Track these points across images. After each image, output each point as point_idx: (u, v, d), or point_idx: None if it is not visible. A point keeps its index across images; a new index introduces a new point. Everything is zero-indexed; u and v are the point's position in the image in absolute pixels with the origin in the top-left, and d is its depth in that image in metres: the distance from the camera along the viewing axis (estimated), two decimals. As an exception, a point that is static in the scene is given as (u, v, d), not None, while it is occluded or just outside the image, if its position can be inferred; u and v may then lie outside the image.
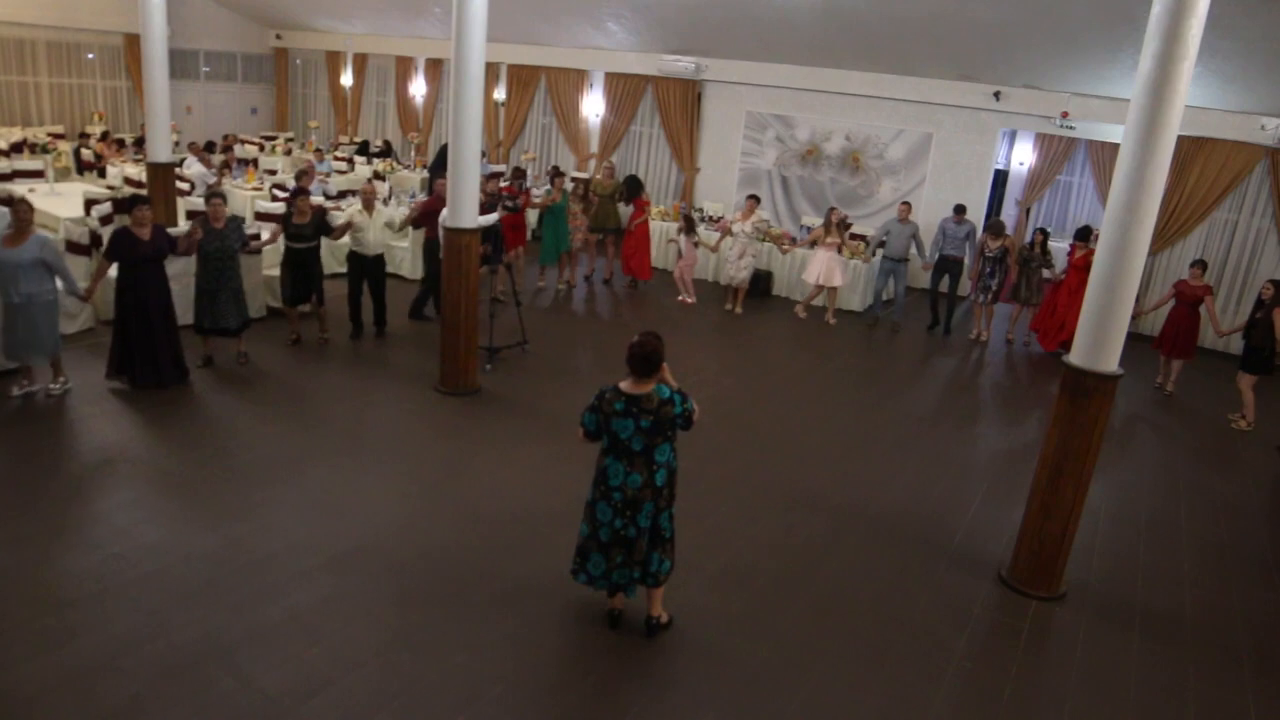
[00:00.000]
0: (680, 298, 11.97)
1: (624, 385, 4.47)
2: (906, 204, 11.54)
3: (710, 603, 5.19)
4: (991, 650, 5.04)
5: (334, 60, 20.38)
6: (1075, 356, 5.32)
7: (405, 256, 11.59)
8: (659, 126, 15.93)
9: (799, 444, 7.71)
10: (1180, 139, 5.26)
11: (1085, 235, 10.81)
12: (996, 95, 12.55)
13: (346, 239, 9.25)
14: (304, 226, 8.58)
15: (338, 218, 10.02)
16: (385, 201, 12.07)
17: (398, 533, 5.65)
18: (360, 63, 20.01)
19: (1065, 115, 12.18)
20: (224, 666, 4.28)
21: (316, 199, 11.91)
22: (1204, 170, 11.56)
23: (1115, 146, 7.17)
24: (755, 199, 11.78)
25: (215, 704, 4.05)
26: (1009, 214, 17.15)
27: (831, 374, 9.83)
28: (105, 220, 10.47)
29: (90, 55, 18.28)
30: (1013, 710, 4.55)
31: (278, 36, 21.01)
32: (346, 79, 20.20)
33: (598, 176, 13.05)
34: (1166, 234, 11.87)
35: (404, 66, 19.15)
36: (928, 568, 5.84)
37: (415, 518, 5.87)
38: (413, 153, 18.10)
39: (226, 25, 20.26)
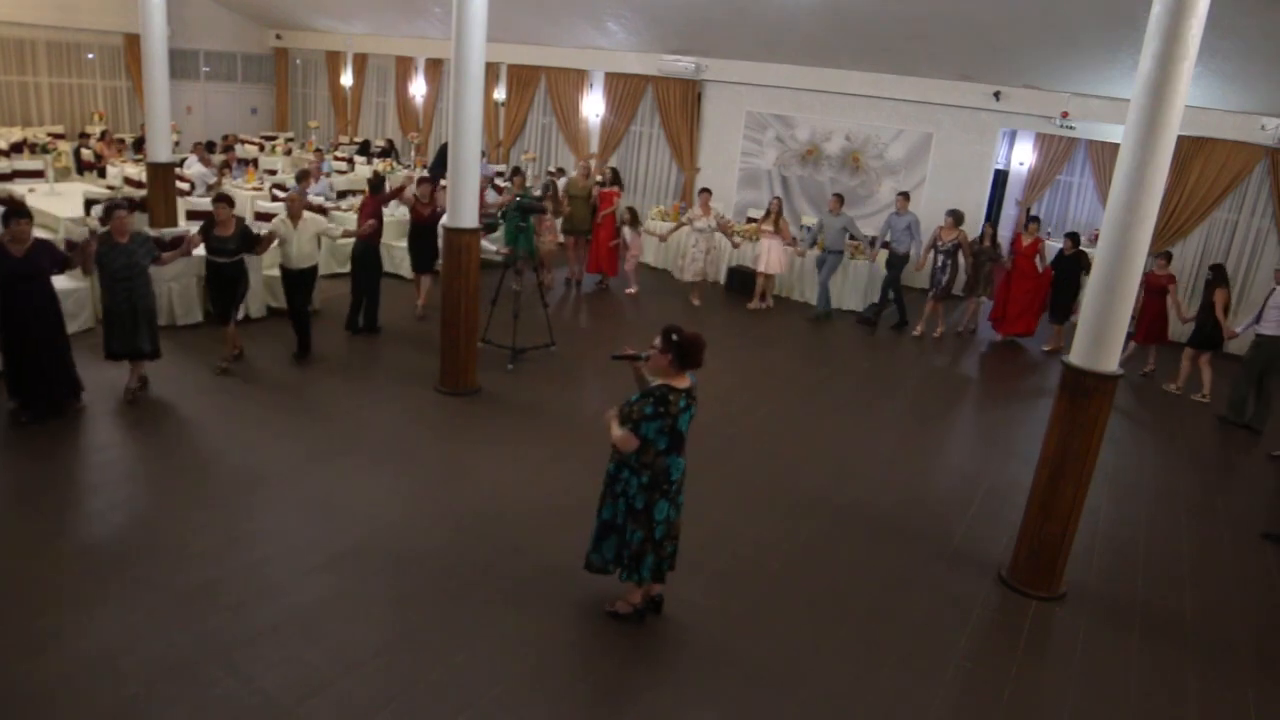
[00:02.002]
0: (628, 290, 11.93)
1: (677, 384, 4.47)
2: (838, 197, 11.76)
3: (711, 602, 5.19)
4: (991, 650, 5.04)
5: (334, 60, 20.38)
6: (1075, 356, 5.32)
7: (403, 256, 11.46)
8: (659, 126, 15.93)
9: (799, 444, 7.71)
10: (1180, 139, 5.26)
11: (1035, 223, 11.20)
12: (996, 95, 12.55)
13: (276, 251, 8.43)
14: (227, 240, 7.71)
15: (332, 222, 9.75)
16: (385, 204, 11.95)
17: (398, 533, 5.65)
18: (360, 63, 20.01)
19: (1065, 115, 12.18)
20: (224, 666, 4.28)
21: (316, 199, 11.91)
22: (1204, 170, 11.56)
23: (1115, 146, 7.18)
24: (708, 192, 11.80)
25: (215, 704, 4.05)
26: (1009, 214, 17.17)
27: (827, 374, 9.83)
28: (105, 221, 10.47)
29: (90, 55, 18.28)
30: (1013, 710, 4.55)
31: (278, 36, 21.02)
32: (346, 79, 20.20)
33: (572, 176, 12.73)
34: (1166, 234, 11.86)
35: (404, 66, 19.15)
36: (928, 568, 5.84)
37: (415, 518, 5.87)
38: (413, 153, 18.11)
39: (226, 25, 20.26)
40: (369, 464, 6.59)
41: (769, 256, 11.84)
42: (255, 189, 13.12)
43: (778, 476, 6.97)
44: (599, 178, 12.51)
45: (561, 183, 12.86)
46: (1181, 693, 4.83)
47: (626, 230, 11.75)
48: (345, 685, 4.24)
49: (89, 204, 10.96)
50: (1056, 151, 16.00)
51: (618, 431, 4.48)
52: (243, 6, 19.95)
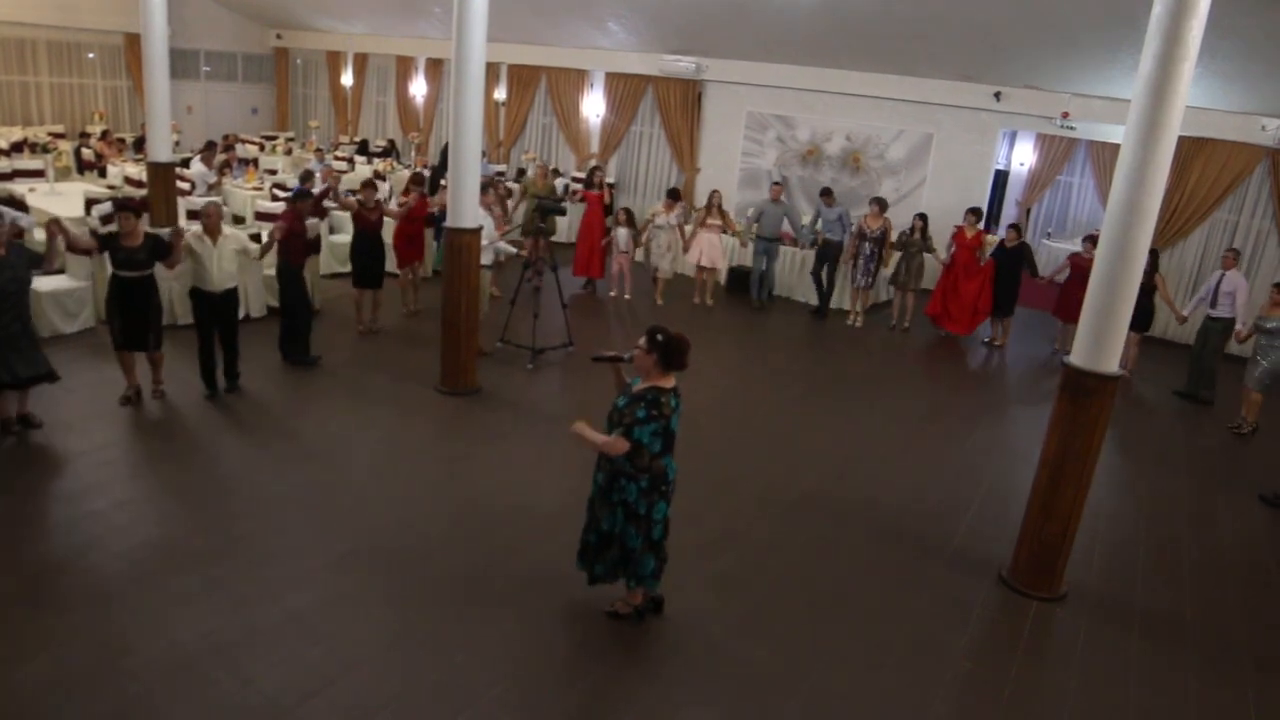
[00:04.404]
0: (613, 293, 11.87)
1: (663, 384, 4.47)
2: (778, 184, 12.05)
3: (710, 603, 5.19)
4: (992, 651, 5.04)
5: (334, 60, 20.39)
6: (1076, 357, 5.32)
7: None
8: (659, 126, 15.93)
9: (798, 444, 7.71)
10: (1181, 139, 5.26)
11: (979, 215, 11.32)
12: (997, 96, 12.55)
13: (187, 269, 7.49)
14: (136, 250, 6.81)
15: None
16: (386, 200, 11.82)
17: (398, 533, 5.66)
18: (361, 62, 20.02)
19: (1066, 116, 12.19)
20: (224, 666, 4.28)
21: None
22: (1204, 171, 11.56)
23: (1116, 147, 7.20)
24: (671, 196, 11.82)
25: (215, 704, 4.05)
26: (1009, 214, 17.15)
27: (824, 374, 9.83)
28: (106, 220, 10.46)
29: (91, 55, 18.28)
30: (1013, 711, 4.55)
31: (278, 36, 21.02)
32: (347, 79, 20.21)
33: (531, 176, 12.46)
34: (1167, 234, 11.87)
35: (404, 66, 19.15)
36: (928, 568, 5.84)
37: (415, 517, 5.87)
38: (413, 152, 18.11)
39: (227, 25, 20.27)
40: (369, 465, 6.59)
41: (707, 251, 11.85)
42: (256, 189, 13.11)
43: (777, 477, 6.97)
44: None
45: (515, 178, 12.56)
46: (1181, 693, 4.83)
47: (621, 232, 11.71)
48: (345, 685, 4.24)
49: (89, 204, 10.97)
50: (1057, 152, 15.99)
51: (602, 437, 4.42)
52: (243, 6, 19.95)
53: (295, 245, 8.12)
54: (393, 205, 10.35)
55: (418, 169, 14.65)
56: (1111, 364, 5.25)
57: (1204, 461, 8.30)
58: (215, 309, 7.38)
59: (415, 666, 4.42)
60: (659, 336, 4.40)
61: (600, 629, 4.85)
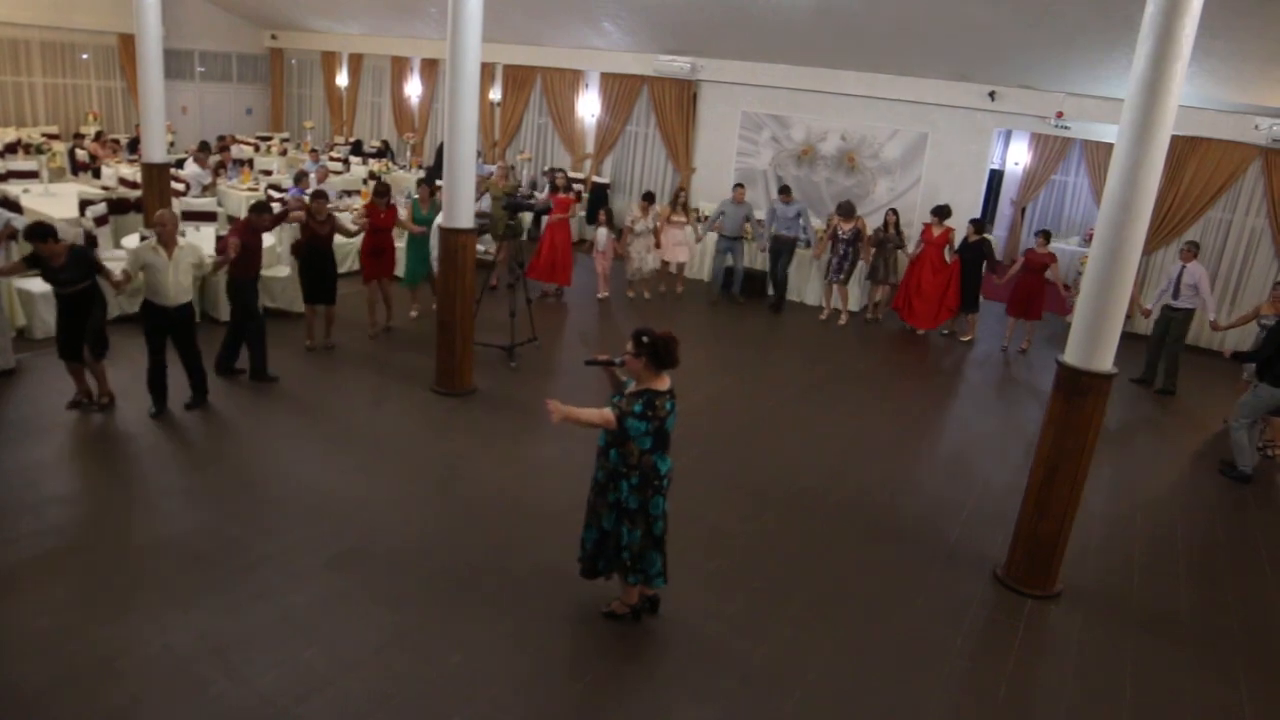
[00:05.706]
0: (599, 294, 11.90)
1: (658, 386, 4.47)
2: (741, 186, 12.29)
3: (707, 602, 5.19)
4: (987, 649, 5.05)
5: (329, 61, 20.36)
6: (1070, 356, 5.34)
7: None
8: (654, 127, 15.94)
9: (791, 442, 7.72)
10: (1174, 138, 5.28)
11: (943, 213, 11.31)
12: (992, 95, 12.58)
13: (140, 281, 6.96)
14: (59, 271, 6.57)
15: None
16: (266, 229, 11.18)
17: (394, 533, 5.65)
18: (356, 63, 19.99)
19: (1060, 115, 12.22)
20: (220, 667, 4.28)
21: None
22: (1198, 170, 11.60)
23: (1110, 146, 7.22)
24: (647, 199, 11.88)
25: (211, 705, 4.05)
26: (1004, 213, 17.20)
27: (815, 372, 9.84)
28: (100, 221, 10.46)
29: (85, 55, 18.23)
30: (1009, 708, 4.56)
31: (273, 37, 20.98)
32: (342, 79, 20.18)
33: (493, 179, 12.12)
34: (1161, 233, 11.91)
35: (399, 67, 19.13)
36: (923, 567, 5.85)
37: (411, 518, 5.87)
38: (408, 153, 18.09)
39: (222, 25, 20.22)
40: (366, 465, 6.59)
41: (670, 246, 12.03)
42: (251, 189, 13.10)
43: (774, 476, 6.98)
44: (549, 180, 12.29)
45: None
46: (1176, 690, 4.85)
47: (601, 232, 11.68)
48: (342, 685, 4.24)
49: (83, 205, 10.95)
50: (1051, 151, 16.04)
51: (596, 412, 4.41)
52: (238, 7, 19.91)
53: (246, 258, 7.63)
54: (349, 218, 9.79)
55: (382, 177, 14.11)
56: (1106, 362, 5.26)
57: (1197, 455, 8.33)
58: (170, 324, 6.95)
59: (412, 667, 4.42)
60: (644, 339, 4.39)
61: (597, 628, 4.85)
